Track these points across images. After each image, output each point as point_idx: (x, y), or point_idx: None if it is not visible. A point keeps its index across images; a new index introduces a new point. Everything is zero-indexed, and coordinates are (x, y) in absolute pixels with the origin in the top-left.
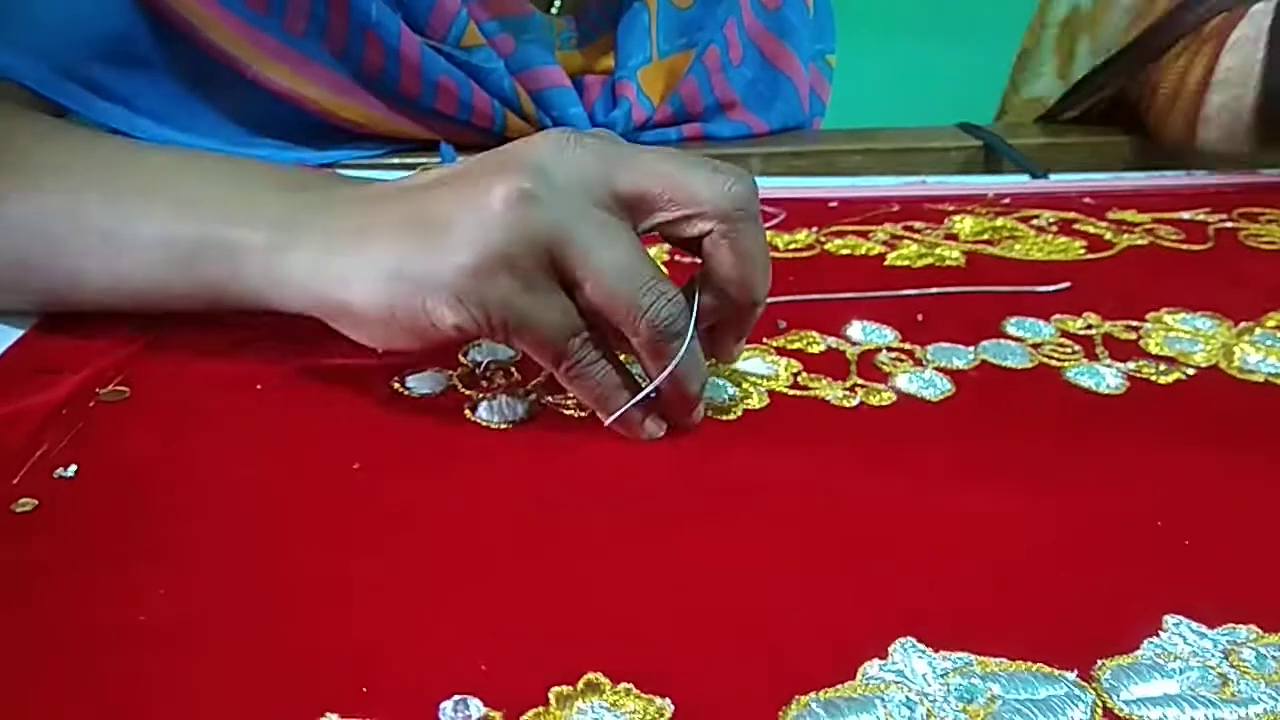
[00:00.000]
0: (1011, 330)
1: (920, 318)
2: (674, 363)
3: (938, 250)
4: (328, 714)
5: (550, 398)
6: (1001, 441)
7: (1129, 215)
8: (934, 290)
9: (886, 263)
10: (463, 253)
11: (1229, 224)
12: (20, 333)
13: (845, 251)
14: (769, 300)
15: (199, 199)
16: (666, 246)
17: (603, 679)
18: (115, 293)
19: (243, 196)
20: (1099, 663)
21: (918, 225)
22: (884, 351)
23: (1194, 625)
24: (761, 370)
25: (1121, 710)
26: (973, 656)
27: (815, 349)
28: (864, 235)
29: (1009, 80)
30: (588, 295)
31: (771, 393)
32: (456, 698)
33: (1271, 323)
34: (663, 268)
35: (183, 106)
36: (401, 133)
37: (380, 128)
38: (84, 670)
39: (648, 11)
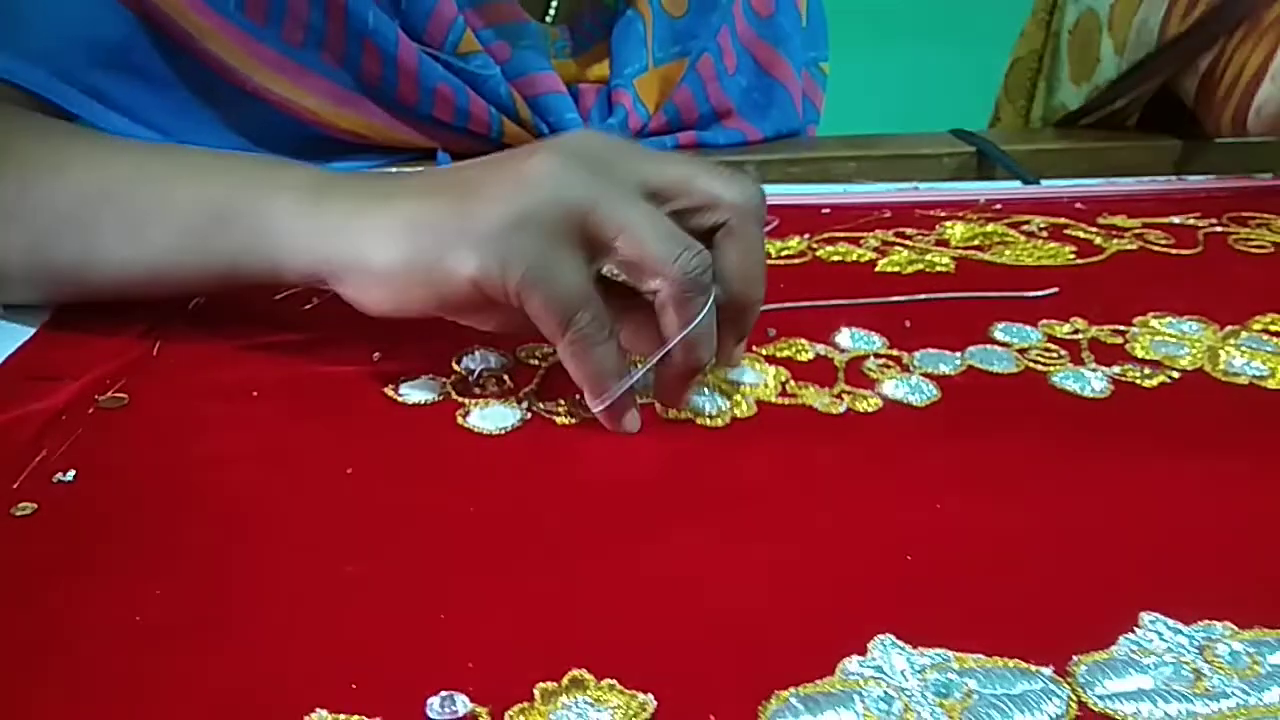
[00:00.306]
0: (999, 335)
1: (908, 324)
2: (698, 320)
3: (928, 256)
4: (317, 710)
5: (541, 405)
6: (985, 445)
7: (1119, 220)
8: (922, 296)
9: (877, 269)
10: (490, 206)
11: (1219, 228)
12: (26, 336)
13: (836, 258)
14: (761, 308)
15: (222, 174)
16: None
17: (587, 675)
18: (132, 268)
19: (269, 171)
20: (1075, 658)
21: (909, 232)
22: (871, 358)
23: (1169, 622)
24: (750, 379)
25: (1096, 705)
26: (950, 653)
27: (804, 356)
28: (855, 242)
29: (1001, 89)
30: (620, 251)
31: (759, 401)
32: (444, 693)
33: (1258, 326)
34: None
35: (183, 117)
36: (400, 141)
37: (379, 137)
38: (82, 670)
39: (642, 21)
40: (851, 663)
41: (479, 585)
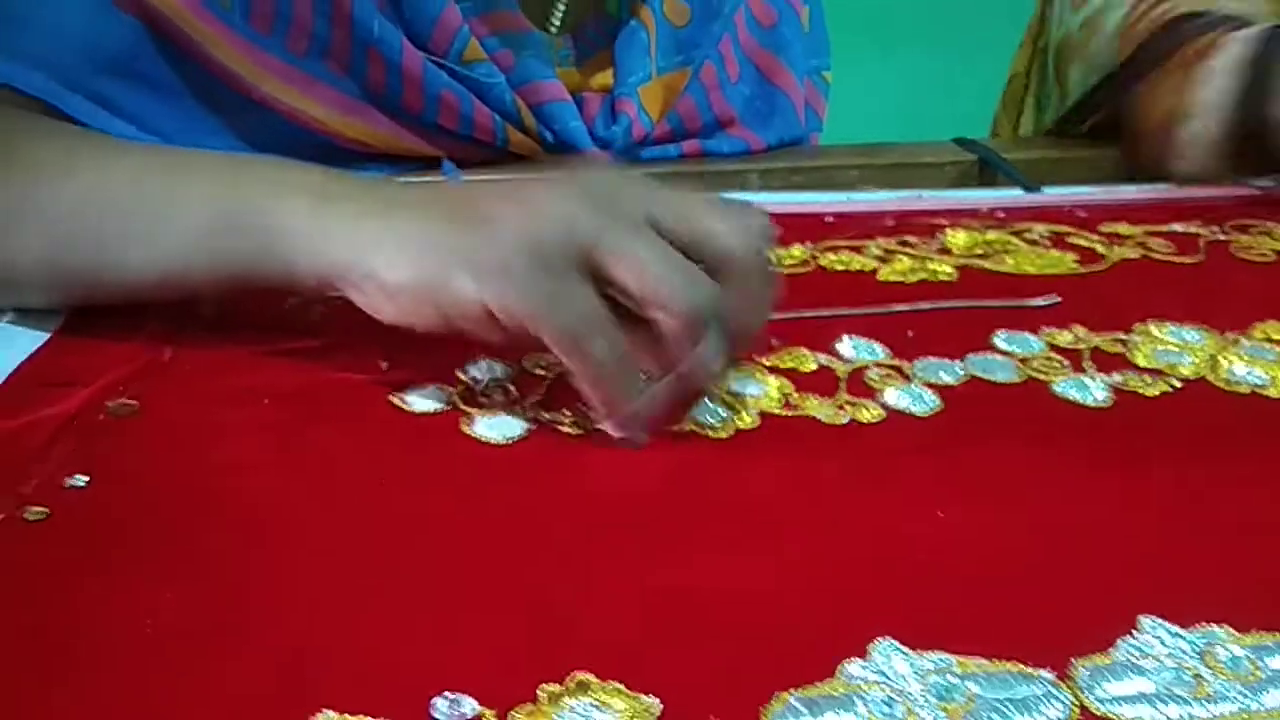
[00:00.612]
0: (1001, 344)
1: (911, 334)
2: (699, 353)
3: (930, 265)
4: (324, 710)
5: (546, 414)
6: (986, 454)
7: (1121, 228)
8: (926, 306)
9: (879, 278)
10: (498, 234)
11: (1220, 236)
12: (40, 342)
13: (839, 267)
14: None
15: (237, 179)
16: None
17: (592, 678)
18: (144, 272)
19: (280, 173)
20: (1075, 662)
21: (912, 240)
22: (874, 368)
23: (1170, 626)
24: (752, 390)
25: (1097, 708)
26: (952, 657)
27: (806, 367)
28: (858, 250)
29: (999, 104)
30: (625, 283)
31: (763, 412)
32: (450, 695)
33: (1259, 334)
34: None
35: (189, 125)
36: (405, 149)
37: (385, 145)
38: (93, 673)
39: (645, 30)
40: (853, 665)
41: (484, 590)
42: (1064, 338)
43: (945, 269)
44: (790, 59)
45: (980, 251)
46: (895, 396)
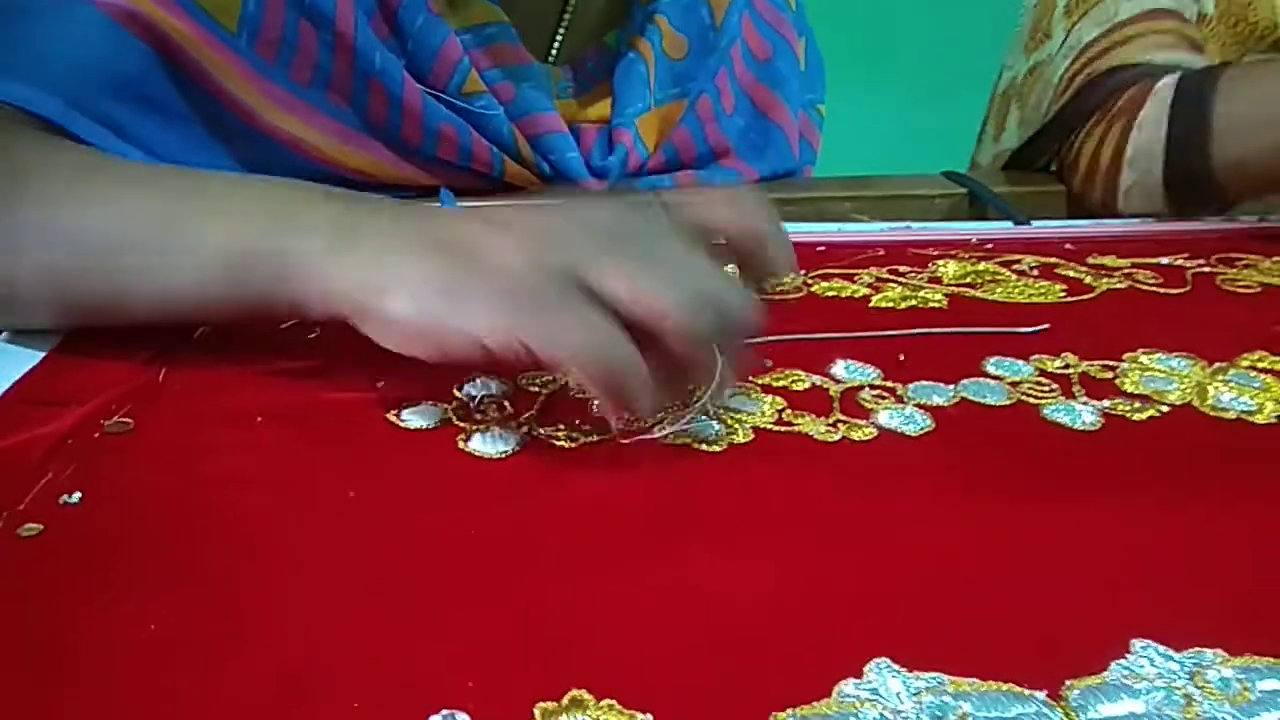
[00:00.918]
0: (991, 369)
1: (903, 358)
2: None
3: (921, 293)
4: None
5: (541, 430)
6: (978, 474)
7: (1108, 260)
8: (917, 331)
9: (871, 304)
10: (495, 275)
11: (1206, 268)
12: (33, 362)
13: (832, 293)
14: (756, 341)
15: (251, 212)
16: None
17: (586, 696)
18: (158, 306)
19: (293, 209)
20: (1068, 683)
21: (903, 269)
22: (866, 389)
23: (1161, 648)
24: (747, 407)
25: None
26: (945, 676)
27: (800, 386)
28: (850, 278)
29: (977, 139)
30: (619, 297)
31: (756, 428)
32: (445, 712)
33: (1245, 363)
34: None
35: (196, 151)
36: (404, 179)
37: (384, 175)
38: (87, 688)
39: (644, 63)
40: (848, 685)
41: (480, 606)
42: (1054, 364)
43: (936, 297)
44: (786, 94)
45: (970, 281)
46: (887, 417)
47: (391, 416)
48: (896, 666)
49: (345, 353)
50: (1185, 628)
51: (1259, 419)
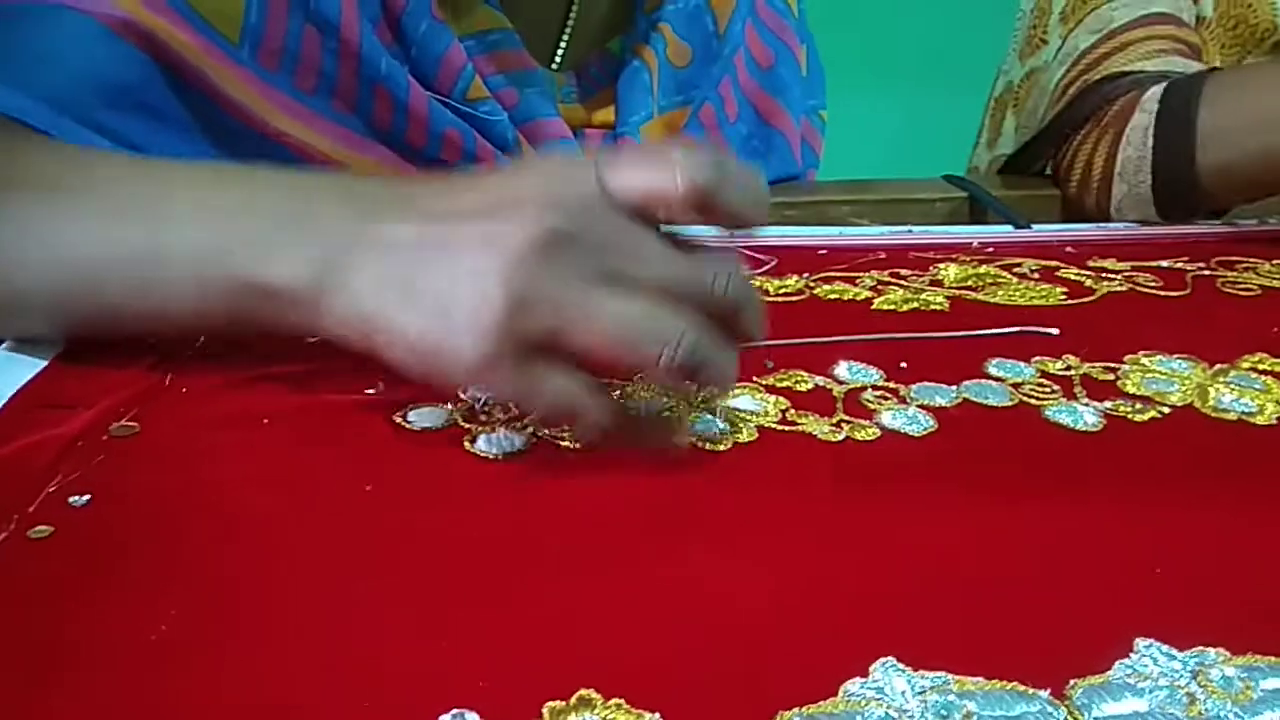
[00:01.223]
0: (993, 371)
1: (904, 365)
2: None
3: (923, 296)
4: None
5: (547, 430)
6: (981, 474)
7: (1109, 263)
8: (920, 335)
9: (874, 307)
10: (466, 352)
11: (1206, 271)
12: (39, 367)
13: (834, 296)
14: (759, 344)
15: (231, 239)
16: None
17: (594, 695)
18: (155, 325)
19: (273, 234)
20: (1071, 682)
21: (904, 272)
22: (869, 390)
23: (1164, 648)
24: (751, 406)
25: None
26: (950, 675)
27: (803, 387)
28: (852, 281)
29: (974, 144)
30: (592, 353)
31: (760, 428)
32: (455, 711)
33: (1246, 364)
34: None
35: (198, 158)
36: None
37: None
38: (96, 687)
39: (648, 70)
40: (854, 684)
41: (488, 606)
42: (1055, 365)
43: (937, 299)
44: (788, 101)
45: (971, 284)
46: (890, 417)
47: (397, 418)
48: (902, 665)
49: (351, 354)
50: (1188, 627)
51: (1260, 420)
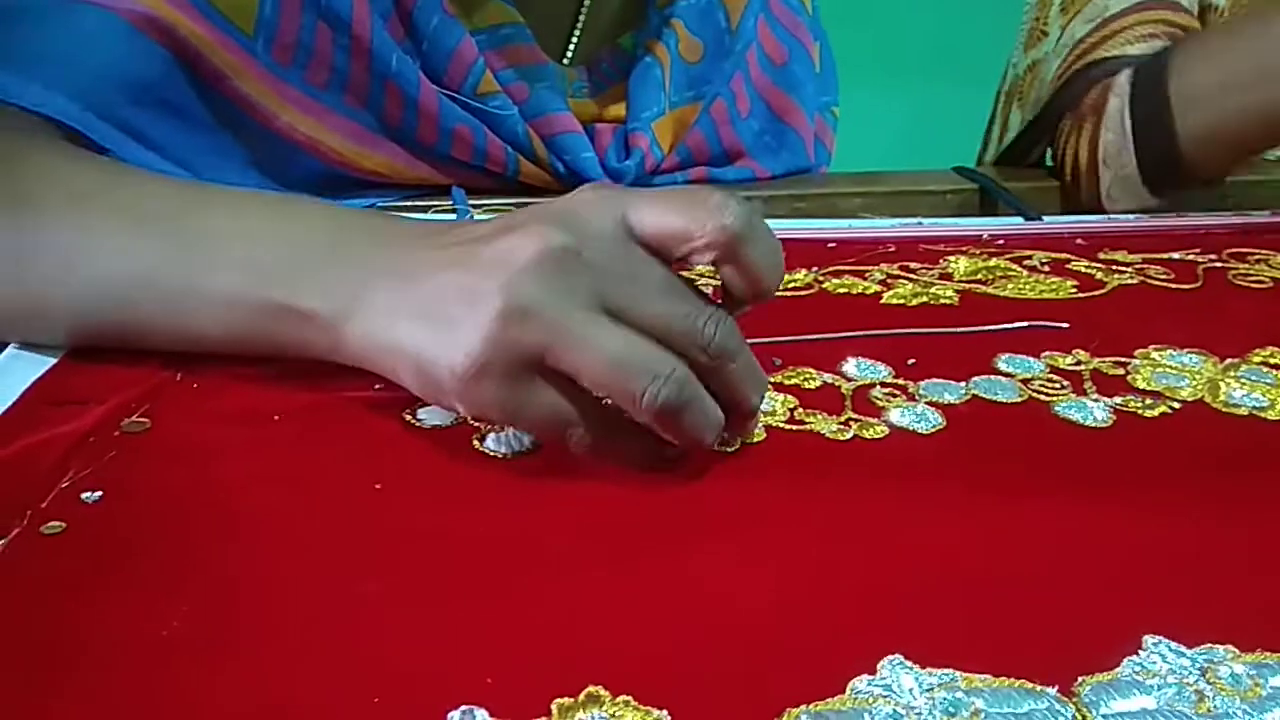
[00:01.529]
0: (1003, 366)
1: (912, 362)
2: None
3: (933, 289)
4: None
5: None
6: (989, 471)
7: (1120, 255)
8: (929, 330)
9: (883, 301)
10: (458, 357)
11: (1218, 264)
12: (49, 364)
13: (843, 290)
14: (766, 340)
15: (264, 263)
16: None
17: (603, 691)
18: (180, 345)
19: (303, 261)
20: (1080, 679)
21: (914, 265)
22: (878, 387)
23: (1173, 645)
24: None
25: None
26: (958, 673)
27: (811, 384)
28: (861, 275)
29: (984, 138)
30: (584, 381)
31: (768, 427)
32: (463, 708)
33: (1257, 358)
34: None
35: (213, 155)
36: (419, 179)
37: (399, 175)
38: (107, 682)
39: (660, 66)
40: (861, 681)
41: (496, 603)
42: (1065, 360)
43: (947, 293)
44: (801, 98)
45: (981, 277)
46: (899, 415)
47: (407, 416)
48: (909, 663)
49: None
50: (1197, 624)
51: (1271, 415)
